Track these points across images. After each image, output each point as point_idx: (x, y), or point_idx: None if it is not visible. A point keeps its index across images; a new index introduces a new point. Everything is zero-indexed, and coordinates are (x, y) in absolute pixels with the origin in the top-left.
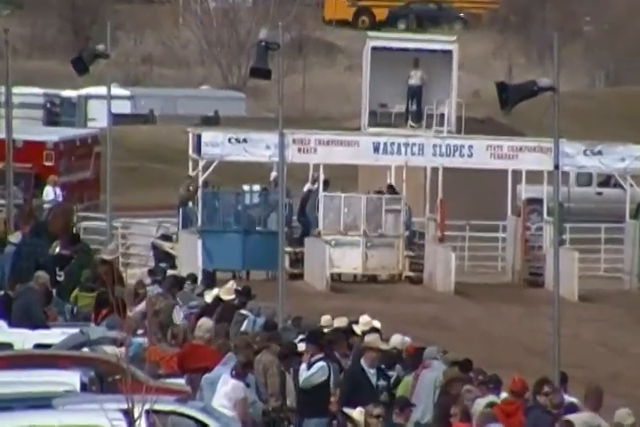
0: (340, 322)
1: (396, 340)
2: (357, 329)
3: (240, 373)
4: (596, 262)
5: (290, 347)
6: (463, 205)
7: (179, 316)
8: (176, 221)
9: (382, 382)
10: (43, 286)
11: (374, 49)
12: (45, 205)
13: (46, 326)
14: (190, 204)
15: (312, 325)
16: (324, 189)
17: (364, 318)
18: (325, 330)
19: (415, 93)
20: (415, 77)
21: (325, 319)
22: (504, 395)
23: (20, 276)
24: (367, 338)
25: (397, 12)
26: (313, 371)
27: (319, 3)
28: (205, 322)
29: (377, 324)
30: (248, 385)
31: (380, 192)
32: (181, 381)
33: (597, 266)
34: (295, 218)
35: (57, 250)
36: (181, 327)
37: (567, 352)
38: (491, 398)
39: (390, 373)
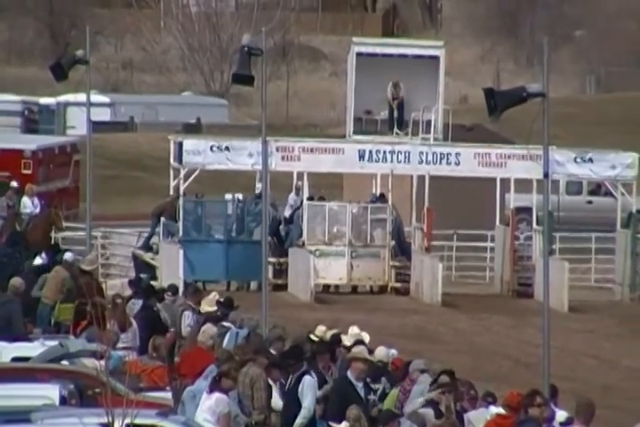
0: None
1: (381, 352)
2: (346, 341)
3: (217, 384)
4: (587, 273)
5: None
6: (450, 214)
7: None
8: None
9: (372, 397)
10: (20, 293)
11: (359, 55)
12: (24, 216)
13: (28, 339)
14: (162, 217)
15: (275, 336)
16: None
17: (353, 330)
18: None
19: (397, 107)
20: (394, 93)
21: (320, 330)
22: (493, 409)
23: None
24: (354, 349)
25: None
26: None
27: (303, 8)
28: (209, 328)
29: (366, 336)
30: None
31: (373, 202)
32: (163, 394)
33: (588, 276)
34: (282, 227)
35: (37, 261)
36: (163, 340)
37: (557, 364)
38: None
39: (376, 386)
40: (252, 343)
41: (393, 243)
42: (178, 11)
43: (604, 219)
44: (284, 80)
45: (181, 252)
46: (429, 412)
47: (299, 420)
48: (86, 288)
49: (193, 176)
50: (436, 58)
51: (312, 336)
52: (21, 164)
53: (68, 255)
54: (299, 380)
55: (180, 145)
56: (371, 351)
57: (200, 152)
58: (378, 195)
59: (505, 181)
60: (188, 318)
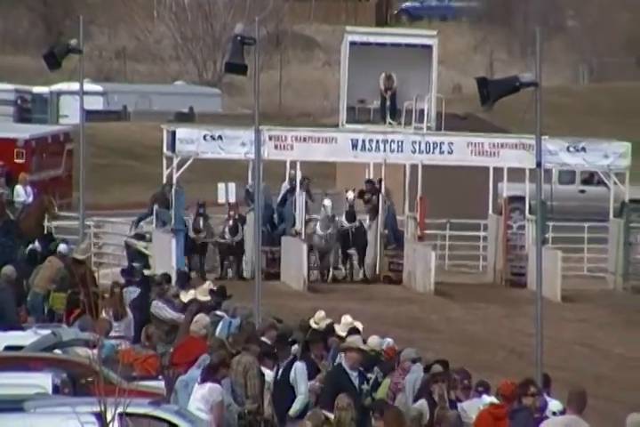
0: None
1: (374, 341)
2: (338, 330)
3: (209, 375)
4: (580, 262)
5: (268, 348)
6: (443, 203)
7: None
8: (149, 219)
9: (366, 386)
10: (11, 281)
11: (352, 44)
12: (17, 205)
13: (20, 328)
14: (156, 206)
15: (267, 325)
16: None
17: (346, 319)
18: (314, 326)
19: (390, 97)
20: (387, 85)
21: (319, 316)
22: (486, 399)
23: None
24: (349, 339)
25: None
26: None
27: None
28: (202, 318)
29: (359, 325)
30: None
31: (361, 193)
32: (156, 383)
33: (581, 266)
34: (276, 216)
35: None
36: (156, 329)
37: (550, 353)
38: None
39: (368, 375)
40: (244, 332)
41: (386, 232)
42: (171, 0)
43: (596, 208)
44: (276, 69)
45: (174, 240)
46: (423, 403)
47: (297, 406)
48: (81, 279)
49: (186, 165)
50: (429, 47)
51: (312, 322)
52: (14, 153)
53: (62, 247)
54: (289, 367)
55: (173, 134)
56: (364, 341)
57: (193, 141)
58: (365, 181)
59: (498, 170)
60: (159, 305)
